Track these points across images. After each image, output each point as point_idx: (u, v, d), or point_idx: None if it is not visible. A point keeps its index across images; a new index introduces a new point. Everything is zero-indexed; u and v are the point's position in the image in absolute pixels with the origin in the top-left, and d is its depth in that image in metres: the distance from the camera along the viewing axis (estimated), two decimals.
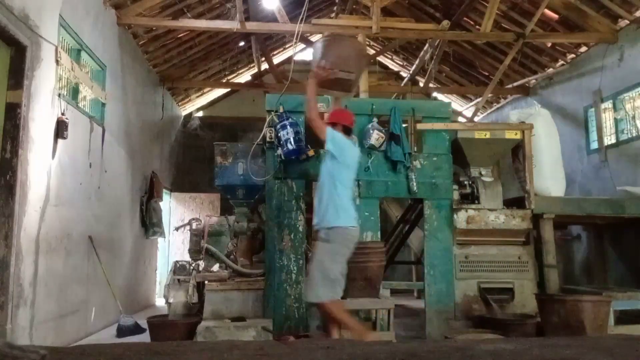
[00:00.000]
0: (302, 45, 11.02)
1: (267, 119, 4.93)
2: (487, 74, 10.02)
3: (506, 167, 5.72)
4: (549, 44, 8.41)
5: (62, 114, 4.89)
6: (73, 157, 5.26)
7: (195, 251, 5.13)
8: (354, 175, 4.16)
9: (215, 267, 5.17)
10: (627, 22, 7.06)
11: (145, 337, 5.13)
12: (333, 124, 4.07)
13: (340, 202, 3.87)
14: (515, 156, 5.54)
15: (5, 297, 3.96)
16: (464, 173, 5.44)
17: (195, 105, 11.90)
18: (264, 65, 10.23)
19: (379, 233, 5.00)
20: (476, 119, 10.40)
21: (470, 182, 5.28)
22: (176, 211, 10.07)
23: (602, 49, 7.51)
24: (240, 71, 11.32)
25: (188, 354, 2.08)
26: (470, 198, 5.24)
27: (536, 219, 5.26)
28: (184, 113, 11.69)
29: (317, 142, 4.49)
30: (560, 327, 4.15)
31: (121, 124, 7.05)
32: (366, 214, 4.99)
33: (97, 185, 6.00)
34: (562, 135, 6.21)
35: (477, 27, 8.36)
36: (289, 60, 10.79)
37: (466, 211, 5.10)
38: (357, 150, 4.22)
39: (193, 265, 5.17)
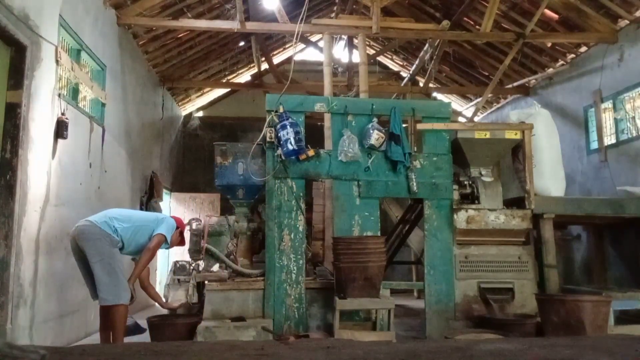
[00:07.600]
0: (302, 45, 11.03)
1: (267, 119, 4.93)
2: (487, 74, 10.02)
3: (506, 167, 5.72)
4: (549, 44, 8.40)
5: (62, 114, 4.89)
6: (73, 157, 5.26)
7: (195, 251, 5.12)
8: None
9: (215, 267, 5.16)
10: (627, 22, 7.06)
11: (145, 337, 5.12)
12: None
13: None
14: (515, 156, 5.53)
15: (5, 297, 3.96)
16: (464, 173, 5.44)
17: (195, 105, 11.91)
18: (264, 65, 10.23)
19: (378, 233, 5.00)
20: (476, 119, 10.40)
21: (470, 182, 5.27)
22: (176, 211, 10.05)
23: (602, 49, 7.51)
24: (240, 71, 11.32)
25: (188, 354, 2.08)
26: (470, 198, 5.24)
27: (536, 219, 5.26)
28: (184, 113, 11.69)
29: (317, 142, 4.48)
30: (560, 327, 4.15)
31: (121, 124, 7.05)
32: (366, 214, 4.99)
33: (97, 185, 6.00)
34: (562, 135, 6.22)
35: (477, 27, 8.35)
36: (289, 60, 10.80)
37: (466, 211, 5.10)
38: None
39: (193, 265, 5.17)
